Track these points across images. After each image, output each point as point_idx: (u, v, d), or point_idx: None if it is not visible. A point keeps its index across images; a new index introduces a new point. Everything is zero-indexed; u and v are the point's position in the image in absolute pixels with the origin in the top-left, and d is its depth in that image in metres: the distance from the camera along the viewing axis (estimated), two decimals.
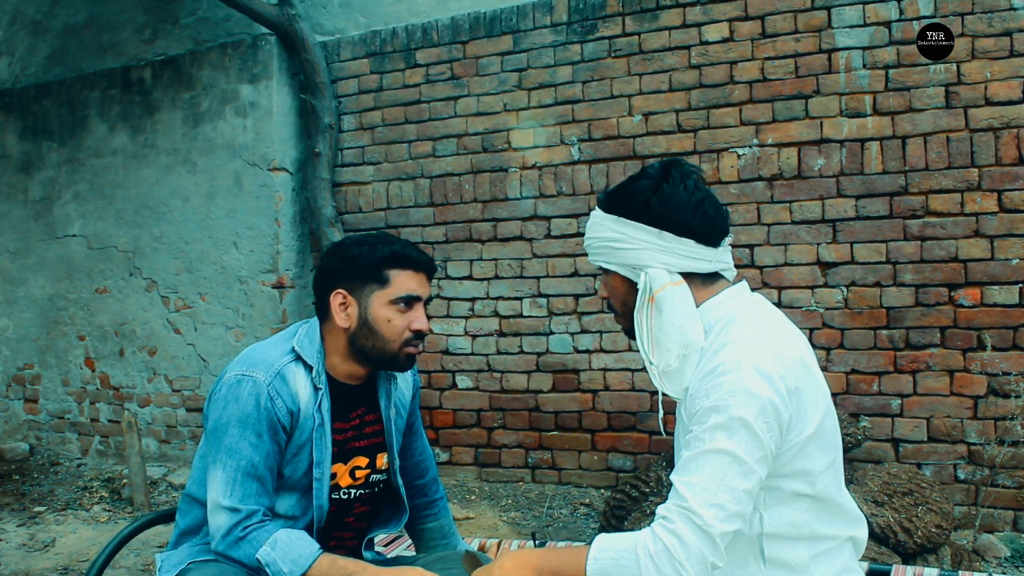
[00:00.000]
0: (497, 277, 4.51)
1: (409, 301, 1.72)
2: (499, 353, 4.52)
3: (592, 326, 4.30)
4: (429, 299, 1.78)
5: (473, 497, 4.36)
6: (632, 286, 1.47)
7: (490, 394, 4.55)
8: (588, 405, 4.33)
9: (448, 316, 4.62)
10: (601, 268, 1.53)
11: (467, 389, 4.60)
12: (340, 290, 1.73)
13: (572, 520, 4.02)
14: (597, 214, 1.51)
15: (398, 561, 1.92)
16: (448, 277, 4.62)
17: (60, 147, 5.66)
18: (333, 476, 1.77)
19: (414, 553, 2.09)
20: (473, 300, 4.57)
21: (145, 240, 5.33)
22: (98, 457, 5.53)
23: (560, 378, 4.39)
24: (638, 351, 1.47)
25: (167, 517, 1.98)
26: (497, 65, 4.50)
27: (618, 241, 1.45)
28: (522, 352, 4.47)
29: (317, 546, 1.64)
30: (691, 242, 1.42)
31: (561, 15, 4.36)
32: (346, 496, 1.80)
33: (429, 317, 1.89)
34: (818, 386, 1.40)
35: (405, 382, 1.92)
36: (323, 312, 1.77)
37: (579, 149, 4.32)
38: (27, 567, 3.77)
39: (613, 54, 4.25)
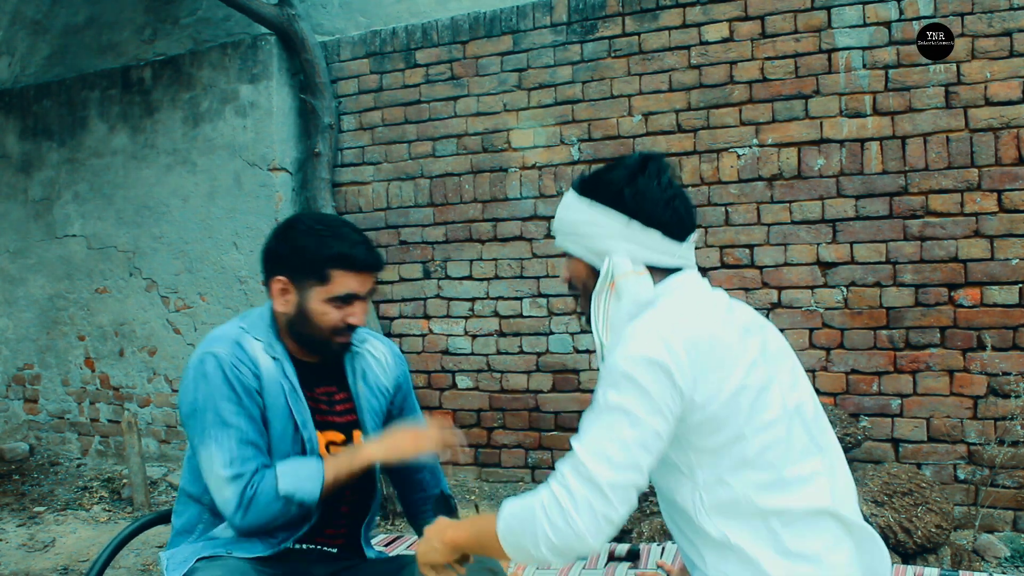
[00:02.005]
0: (497, 277, 4.51)
1: (348, 299, 1.73)
2: (499, 353, 4.52)
3: None
4: (371, 292, 1.79)
5: (473, 497, 4.36)
6: (594, 272, 1.49)
7: (490, 394, 4.55)
8: (588, 405, 4.32)
9: (448, 316, 4.62)
10: (565, 253, 1.55)
11: (467, 389, 4.60)
12: (282, 277, 1.74)
13: None
14: (570, 195, 1.53)
15: (398, 560, 1.92)
16: (448, 277, 4.62)
17: (60, 147, 5.66)
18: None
19: (415, 552, 2.09)
20: (473, 300, 4.57)
21: (145, 240, 5.33)
22: (98, 457, 5.53)
23: (560, 378, 4.39)
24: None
25: (167, 517, 1.98)
26: (497, 65, 4.50)
27: (586, 224, 1.48)
28: (522, 352, 4.46)
29: (316, 457, 1.71)
30: (657, 234, 1.45)
31: (561, 15, 4.36)
32: None
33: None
34: (739, 360, 1.37)
35: (380, 365, 1.92)
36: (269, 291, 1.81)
37: (579, 149, 4.32)
38: (27, 567, 3.77)
39: (613, 54, 4.25)
